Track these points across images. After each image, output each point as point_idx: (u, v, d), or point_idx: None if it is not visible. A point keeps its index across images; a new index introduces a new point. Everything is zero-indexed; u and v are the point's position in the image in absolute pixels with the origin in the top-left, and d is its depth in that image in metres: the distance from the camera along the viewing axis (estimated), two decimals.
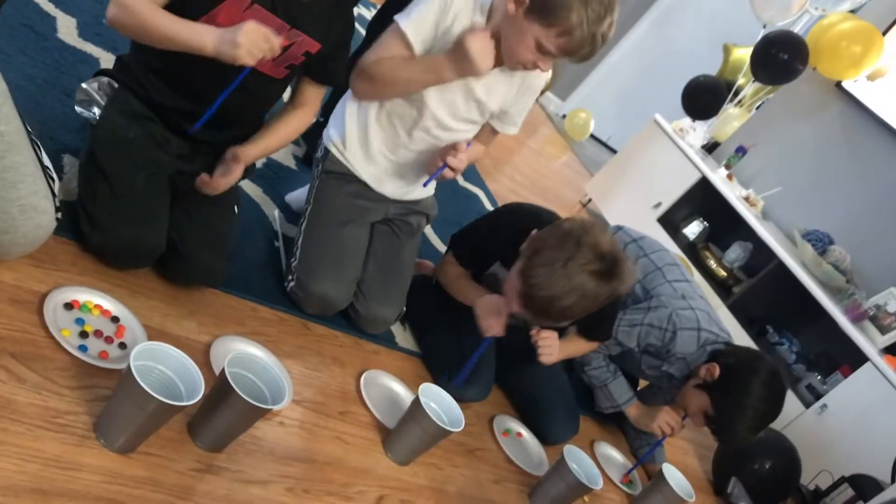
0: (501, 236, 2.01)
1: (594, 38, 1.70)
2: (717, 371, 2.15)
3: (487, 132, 2.08)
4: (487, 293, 2.00)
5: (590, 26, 1.68)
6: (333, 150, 1.99)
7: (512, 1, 1.71)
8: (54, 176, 1.45)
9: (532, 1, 1.69)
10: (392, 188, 2.04)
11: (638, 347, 2.24)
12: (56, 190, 1.40)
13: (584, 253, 1.69)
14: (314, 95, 1.82)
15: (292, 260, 1.88)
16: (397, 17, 1.80)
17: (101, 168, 1.56)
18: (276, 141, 1.82)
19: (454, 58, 1.75)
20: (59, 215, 1.40)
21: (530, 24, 1.70)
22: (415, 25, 1.78)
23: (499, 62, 1.82)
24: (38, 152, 1.38)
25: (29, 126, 1.37)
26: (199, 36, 1.50)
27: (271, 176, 2.31)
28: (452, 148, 1.88)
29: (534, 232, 1.82)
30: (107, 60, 2.17)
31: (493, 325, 1.91)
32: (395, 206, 2.08)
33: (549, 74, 1.97)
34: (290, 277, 1.86)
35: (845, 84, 4.15)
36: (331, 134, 2.00)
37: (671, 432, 2.30)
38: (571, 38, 1.69)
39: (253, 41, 1.47)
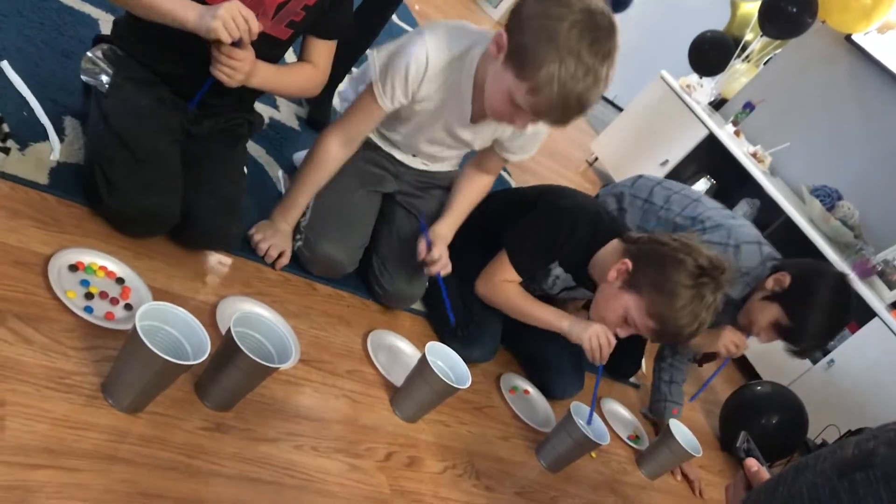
0: (567, 246, 2.00)
1: (566, 101, 1.48)
2: (787, 280, 2.17)
3: (494, 160, 2.00)
4: (565, 316, 2.01)
5: (561, 86, 1.46)
6: None
7: (494, 43, 1.56)
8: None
9: (510, 47, 1.52)
10: (412, 161, 2.03)
11: None
12: (6, 129, 1.36)
13: (710, 274, 1.79)
14: (320, 52, 1.76)
15: (302, 220, 1.85)
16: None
17: (119, 134, 1.53)
18: (285, 76, 1.73)
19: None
20: (8, 144, 1.36)
21: (506, 73, 1.54)
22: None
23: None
24: None
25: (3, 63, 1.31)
26: (184, 10, 1.49)
27: (274, 136, 2.29)
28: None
29: (628, 262, 1.87)
30: (105, 21, 2.15)
31: (604, 356, 1.94)
32: (410, 175, 2.05)
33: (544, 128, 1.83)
34: (297, 237, 1.84)
35: (855, 37, 4.10)
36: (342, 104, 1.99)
37: (736, 350, 2.32)
38: (539, 97, 1.50)
39: (233, 16, 1.45)
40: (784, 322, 2.19)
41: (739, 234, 2.23)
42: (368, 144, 1.94)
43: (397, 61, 1.69)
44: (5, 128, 1.37)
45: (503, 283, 2.03)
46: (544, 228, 2.01)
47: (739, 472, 1.22)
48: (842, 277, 2.21)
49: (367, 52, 1.80)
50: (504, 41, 1.53)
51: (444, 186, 2.10)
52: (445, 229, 1.95)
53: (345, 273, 1.89)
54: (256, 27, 1.50)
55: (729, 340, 2.31)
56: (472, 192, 2.03)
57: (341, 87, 2.11)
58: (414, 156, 2.01)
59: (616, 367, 2.44)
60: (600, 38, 1.47)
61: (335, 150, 1.81)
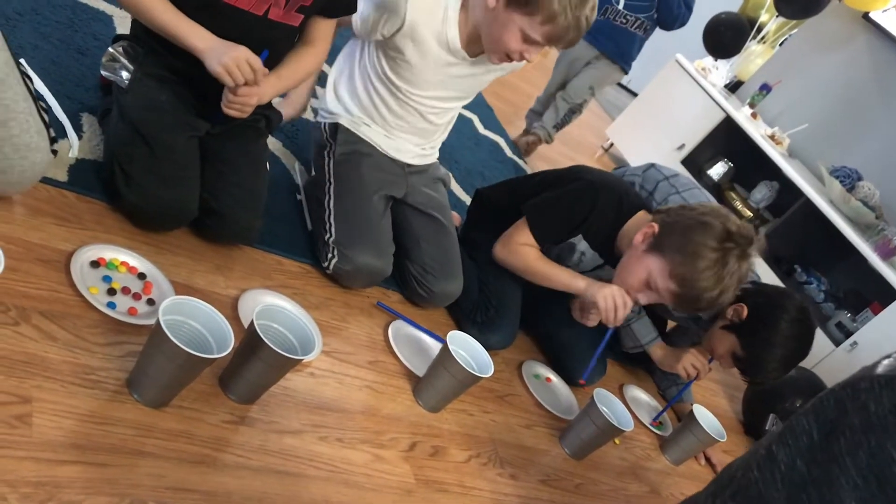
0: (591, 219, 1.99)
1: (578, 22, 1.69)
2: (744, 311, 2.13)
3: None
4: (582, 277, 2.00)
5: (573, 10, 1.67)
6: (345, 123, 1.97)
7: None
8: (46, 106, 1.42)
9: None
10: (408, 154, 2.05)
11: None
12: (46, 121, 1.37)
13: (737, 241, 1.79)
14: (323, 30, 1.77)
15: (328, 237, 1.82)
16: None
17: (138, 129, 1.54)
18: (291, 76, 1.76)
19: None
20: (56, 147, 1.39)
21: (512, 15, 1.70)
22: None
23: (475, 51, 1.86)
24: (29, 84, 1.34)
25: (21, 61, 1.32)
26: (193, 38, 1.55)
27: (290, 129, 2.29)
28: None
29: (655, 225, 1.87)
30: (119, 17, 2.15)
31: (619, 318, 1.92)
32: (414, 178, 2.06)
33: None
34: (329, 255, 1.80)
35: (873, 15, 4.04)
36: (332, 109, 2.00)
37: (696, 375, 2.28)
38: (556, 25, 1.68)
39: (238, 66, 1.53)
40: (739, 353, 2.14)
41: None
42: (372, 148, 1.97)
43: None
44: (52, 132, 1.38)
45: (522, 246, 2.03)
46: (566, 198, 2.01)
47: None
48: (803, 310, 2.13)
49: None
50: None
51: (441, 178, 2.17)
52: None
53: (383, 279, 1.87)
54: (262, 73, 1.57)
55: (689, 363, 2.24)
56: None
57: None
58: (421, 114, 2.00)
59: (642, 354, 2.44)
60: None
61: None
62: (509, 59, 1.80)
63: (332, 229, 1.82)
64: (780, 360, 2.11)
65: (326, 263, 1.80)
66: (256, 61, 1.55)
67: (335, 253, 1.79)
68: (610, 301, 1.91)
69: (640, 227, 1.94)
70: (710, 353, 2.26)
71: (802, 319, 2.12)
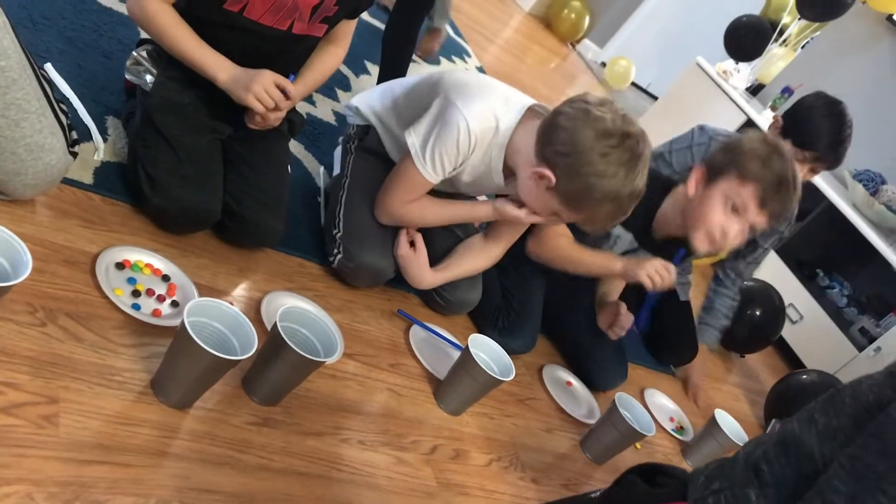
0: None
1: (623, 209, 1.64)
2: (780, 120, 2.50)
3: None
4: (617, 257, 2.03)
5: (616, 207, 1.62)
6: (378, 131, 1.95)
7: (533, 177, 1.62)
8: (68, 108, 1.43)
9: (557, 185, 1.59)
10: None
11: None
12: (66, 123, 1.37)
13: (769, 142, 1.93)
14: (344, 31, 1.79)
15: (336, 232, 1.82)
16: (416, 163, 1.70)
17: (162, 132, 1.56)
18: (315, 79, 1.79)
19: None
20: (76, 149, 1.40)
21: (553, 199, 1.63)
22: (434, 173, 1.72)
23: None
24: (45, 86, 1.34)
25: (34, 62, 1.31)
26: (214, 69, 1.58)
27: (312, 132, 2.30)
28: None
29: (701, 168, 1.94)
30: None
31: (666, 284, 1.95)
32: None
33: None
34: (335, 251, 1.79)
35: None
36: (366, 115, 1.96)
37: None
38: (595, 222, 1.68)
39: (267, 90, 1.56)
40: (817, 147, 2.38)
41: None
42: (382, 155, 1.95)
43: (444, 134, 1.66)
44: (74, 134, 1.40)
45: (555, 237, 2.03)
46: None
47: None
48: (825, 94, 2.47)
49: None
50: (550, 178, 1.59)
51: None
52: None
53: (386, 280, 1.87)
54: (292, 90, 1.60)
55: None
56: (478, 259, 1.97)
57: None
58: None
59: (676, 353, 2.44)
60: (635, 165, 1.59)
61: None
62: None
63: (341, 224, 1.82)
64: (834, 127, 2.41)
65: (332, 259, 1.80)
66: (284, 81, 1.58)
67: (341, 249, 1.78)
68: (653, 272, 1.93)
69: (679, 202, 2.00)
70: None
71: (830, 98, 2.47)
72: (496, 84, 1.77)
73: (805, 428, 1.07)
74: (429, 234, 1.92)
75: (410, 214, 1.81)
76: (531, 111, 1.70)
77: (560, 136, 1.58)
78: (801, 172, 2.20)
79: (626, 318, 2.15)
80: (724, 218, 1.91)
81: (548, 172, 1.59)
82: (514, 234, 1.94)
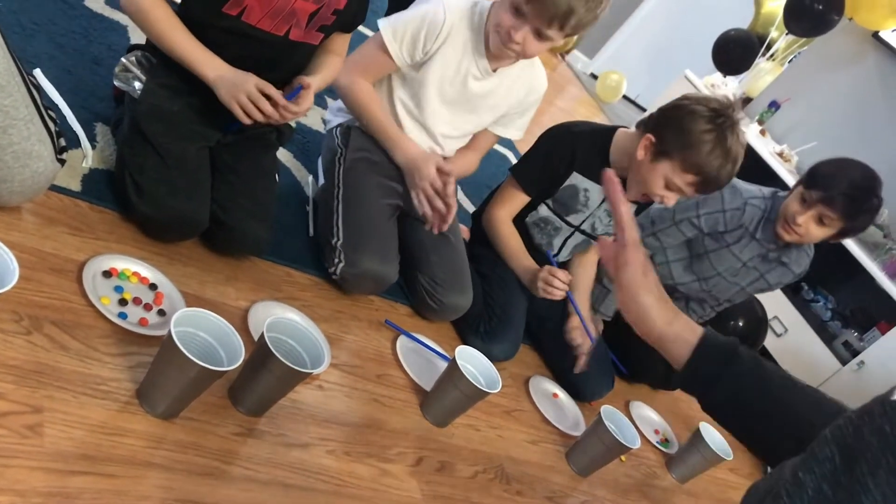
0: (578, 146, 2.07)
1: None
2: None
3: (486, 138, 2.13)
4: (527, 270, 2.09)
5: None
6: (355, 129, 1.99)
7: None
8: (56, 115, 1.42)
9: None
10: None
11: None
12: (54, 130, 1.37)
13: (723, 114, 1.90)
14: (341, 44, 1.81)
15: (335, 240, 1.81)
16: (381, 24, 1.85)
17: (150, 139, 1.55)
18: (323, 86, 1.79)
19: (408, 164, 1.89)
20: (65, 157, 1.39)
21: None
22: (396, 38, 1.85)
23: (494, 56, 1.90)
24: (34, 93, 1.33)
25: (22, 67, 1.30)
26: (202, 65, 1.58)
27: (301, 140, 2.30)
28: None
29: (650, 136, 1.94)
30: (134, 28, 2.16)
31: (558, 288, 2.03)
32: None
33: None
34: (336, 260, 1.79)
35: (882, 34, 4.05)
36: (346, 112, 2.01)
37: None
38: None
39: (253, 100, 1.56)
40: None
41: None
42: (382, 157, 1.97)
43: (415, 8, 1.83)
44: (62, 142, 1.39)
45: (500, 218, 2.15)
46: (543, 143, 2.13)
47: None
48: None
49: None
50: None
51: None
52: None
53: (388, 286, 1.87)
54: (277, 97, 1.59)
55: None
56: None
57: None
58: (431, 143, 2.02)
59: (663, 377, 2.43)
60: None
61: (369, 87, 1.94)
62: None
63: (340, 233, 1.82)
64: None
65: (333, 269, 1.79)
66: (269, 88, 1.57)
67: (342, 257, 1.78)
68: (549, 289, 2.02)
69: (627, 145, 2.02)
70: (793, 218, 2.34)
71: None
72: None
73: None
74: (417, 232, 1.99)
75: (356, 92, 1.91)
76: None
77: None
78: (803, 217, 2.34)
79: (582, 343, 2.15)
80: (662, 192, 1.97)
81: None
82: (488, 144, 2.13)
